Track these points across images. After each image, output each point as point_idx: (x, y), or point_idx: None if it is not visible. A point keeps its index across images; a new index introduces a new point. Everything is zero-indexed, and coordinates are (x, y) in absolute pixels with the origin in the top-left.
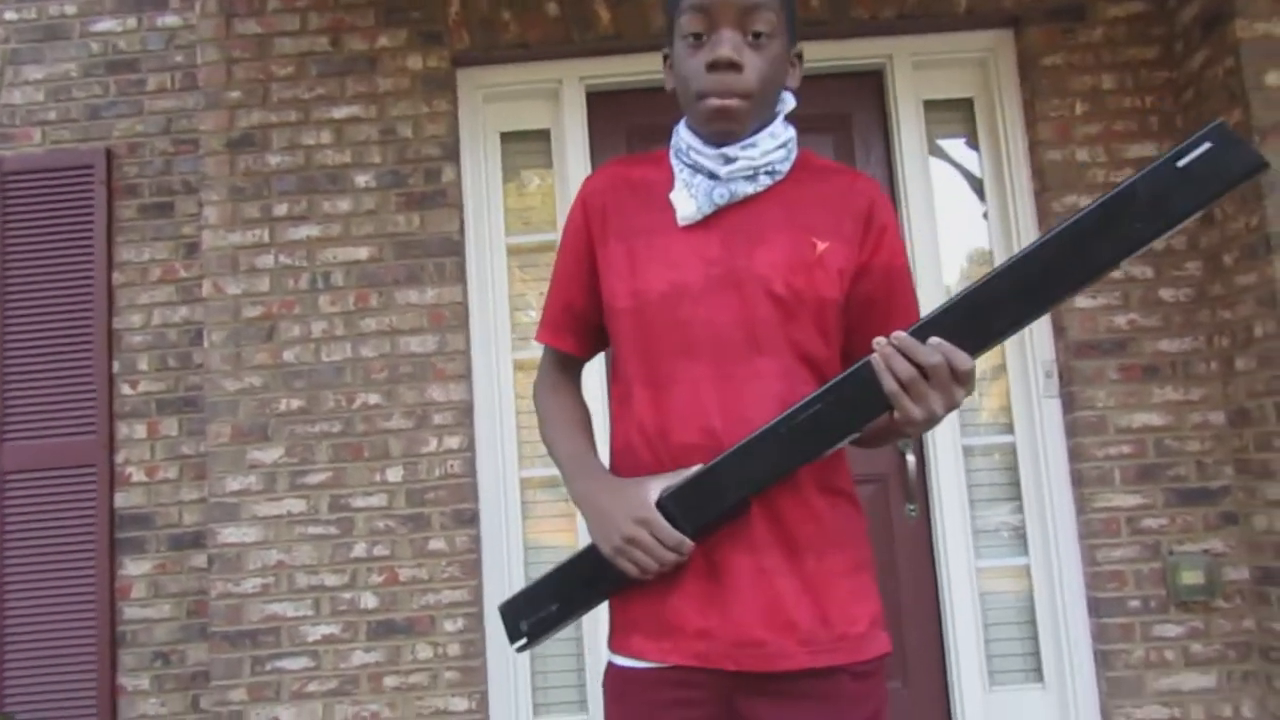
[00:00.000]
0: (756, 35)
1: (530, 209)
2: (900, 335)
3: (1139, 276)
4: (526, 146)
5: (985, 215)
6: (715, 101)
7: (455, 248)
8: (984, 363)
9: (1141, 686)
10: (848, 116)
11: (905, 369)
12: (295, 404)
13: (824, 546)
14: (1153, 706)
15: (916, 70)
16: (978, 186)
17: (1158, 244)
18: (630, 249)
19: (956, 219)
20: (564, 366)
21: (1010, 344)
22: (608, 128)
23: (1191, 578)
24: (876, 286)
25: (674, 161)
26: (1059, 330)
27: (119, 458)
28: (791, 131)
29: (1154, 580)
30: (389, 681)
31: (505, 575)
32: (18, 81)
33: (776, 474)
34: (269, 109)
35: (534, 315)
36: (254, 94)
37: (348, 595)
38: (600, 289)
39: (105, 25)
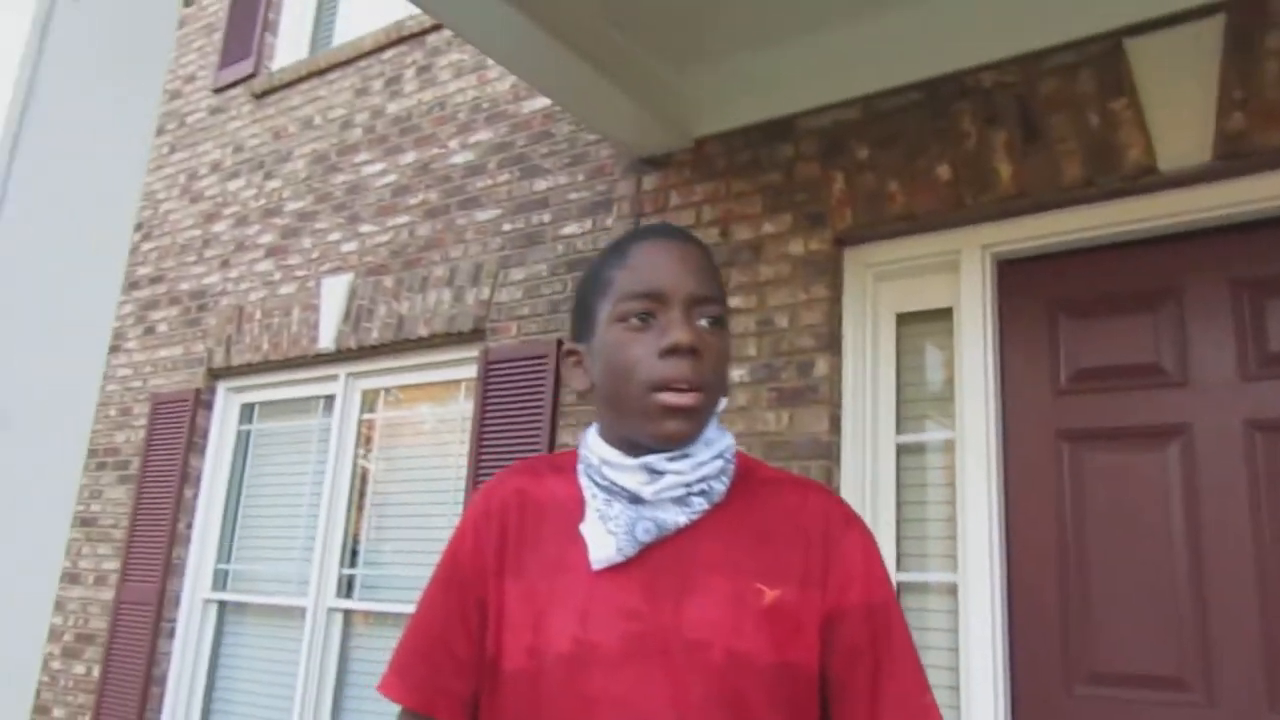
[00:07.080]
0: (713, 321)
1: (923, 400)
2: None
3: None
4: (925, 329)
5: None
6: (671, 398)
7: (825, 450)
8: None
9: None
10: (1170, 291)
11: None
12: None
13: None
14: None
15: None
16: None
17: None
18: (529, 591)
19: None
20: None
21: None
22: (1021, 301)
23: None
24: (857, 635)
25: (583, 480)
26: None
27: None
28: (729, 439)
29: None
30: None
31: None
32: (505, 282)
33: None
34: None
35: (929, 516)
36: None
37: None
38: (485, 640)
39: (570, 229)
